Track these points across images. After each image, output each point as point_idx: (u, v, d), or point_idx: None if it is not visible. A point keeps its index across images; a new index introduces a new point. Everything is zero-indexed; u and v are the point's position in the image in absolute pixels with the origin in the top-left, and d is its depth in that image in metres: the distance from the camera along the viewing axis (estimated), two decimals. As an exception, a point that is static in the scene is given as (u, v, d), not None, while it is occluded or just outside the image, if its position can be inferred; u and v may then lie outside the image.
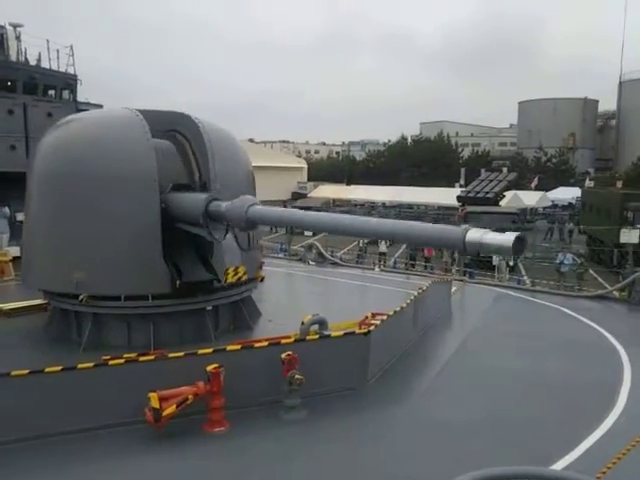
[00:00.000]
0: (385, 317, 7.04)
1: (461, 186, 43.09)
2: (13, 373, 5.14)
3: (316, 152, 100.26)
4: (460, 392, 6.60)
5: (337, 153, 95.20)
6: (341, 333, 6.48)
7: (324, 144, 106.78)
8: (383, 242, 24.96)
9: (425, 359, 7.80)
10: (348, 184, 61.91)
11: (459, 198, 32.53)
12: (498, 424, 5.70)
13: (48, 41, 24.13)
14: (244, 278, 8.04)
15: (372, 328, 6.51)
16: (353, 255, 22.27)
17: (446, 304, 10.50)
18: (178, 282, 7.27)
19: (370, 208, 49.24)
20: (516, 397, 6.40)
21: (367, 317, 7.64)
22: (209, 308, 7.87)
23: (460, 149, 72.89)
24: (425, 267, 21.42)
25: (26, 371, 5.21)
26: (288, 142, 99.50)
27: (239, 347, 5.88)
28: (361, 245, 24.25)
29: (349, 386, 6.26)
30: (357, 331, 6.57)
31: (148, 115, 7.73)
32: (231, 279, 7.83)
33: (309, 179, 64.63)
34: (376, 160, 72.96)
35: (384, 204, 50.75)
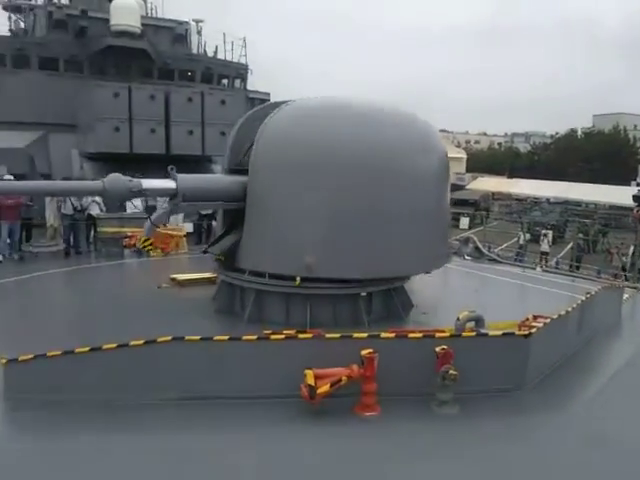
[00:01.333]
0: (548, 320, 6.63)
1: (638, 185, 39.25)
2: (187, 338, 5.62)
3: (476, 142, 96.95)
4: (630, 407, 6.02)
5: (499, 144, 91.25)
6: (499, 333, 6.21)
7: (485, 134, 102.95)
8: (545, 240, 23.57)
9: (590, 368, 7.22)
10: (509, 177, 59.11)
11: (636, 198, 29.90)
12: None
13: (225, 34, 25.96)
14: None
15: (533, 331, 6.16)
16: (512, 252, 21.26)
17: (616, 312, 9.62)
18: None
19: (533, 203, 46.62)
20: None
21: (528, 319, 7.25)
22: (363, 294, 7.97)
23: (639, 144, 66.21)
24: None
25: (197, 337, 5.67)
26: (447, 131, 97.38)
27: (393, 335, 5.88)
28: (521, 242, 23.10)
29: (505, 388, 6.00)
30: (517, 332, 6.26)
31: None
32: None
33: (467, 170, 62.74)
34: (541, 153, 68.87)
35: (548, 200, 47.74)
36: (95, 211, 15.19)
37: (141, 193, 7.42)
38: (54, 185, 10.12)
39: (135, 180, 7.21)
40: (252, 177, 7.81)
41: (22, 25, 27.31)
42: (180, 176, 7.44)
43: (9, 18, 27.55)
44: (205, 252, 9.09)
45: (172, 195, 7.46)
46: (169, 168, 7.42)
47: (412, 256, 8.01)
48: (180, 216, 15.16)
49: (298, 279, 7.56)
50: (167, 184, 7.41)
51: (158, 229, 14.26)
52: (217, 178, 8.91)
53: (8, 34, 24.67)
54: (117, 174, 7.24)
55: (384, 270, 7.94)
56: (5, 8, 27.38)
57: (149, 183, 7.30)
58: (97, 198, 15.34)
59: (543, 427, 5.47)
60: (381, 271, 7.93)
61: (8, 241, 13.85)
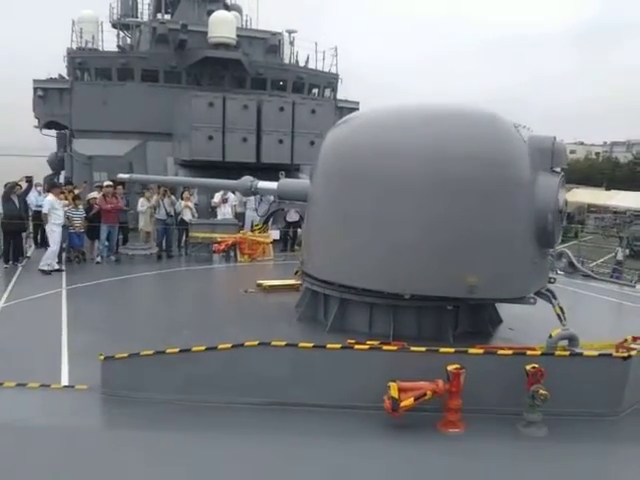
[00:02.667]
0: (649, 343, 6.23)
1: None
2: (273, 343, 5.72)
3: (572, 152, 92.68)
4: None
5: (597, 154, 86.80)
6: (595, 353, 5.88)
7: (582, 143, 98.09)
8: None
9: None
10: (607, 189, 56.00)
11: None
12: None
13: (316, 44, 26.35)
14: None
15: (633, 353, 5.80)
16: (608, 268, 20.11)
17: None
18: None
19: (633, 217, 43.91)
20: None
21: (626, 340, 6.83)
22: (449, 308, 7.79)
23: None
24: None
25: (283, 343, 5.76)
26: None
27: (481, 351, 5.72)
28: (619, 258, 21.77)
29: (598, 412, 5.67)
30: (615, 354, 5.91)
31: None
32: None
33: (562, 182, 60.01)
34: (644, 163, 64.78)
35: (651, 213, 44.75)
36: (187, 216, 15.85)
37: (257, 191, 9.87)
38: (204, 181, 13.93)
39: (255, 181, 9.76)
40: (312, 186, 8.49)
41: (128, 41, 29.06)
42: (281, 180, 9.49)
43: (117, 35, 29.41)
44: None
45: (274, 193, 9.58)
46: (280, 173, 9.83)
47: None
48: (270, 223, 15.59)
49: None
50: (272, 185, 9.49)
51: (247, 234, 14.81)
52: (305, 183, 9.28)
53: (116, 49, 26.29)
54: (247, 176, 9.97)
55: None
56: (114, 26, 29.26)
57: (262, 184, 9.71)
58: (190, 204, 16.04)
59: (638, 457, 5.12)
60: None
61: (107, 244, 14.73)
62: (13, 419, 5.42)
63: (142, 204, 15.60)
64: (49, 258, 13.09)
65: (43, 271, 12.86)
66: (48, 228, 13.46)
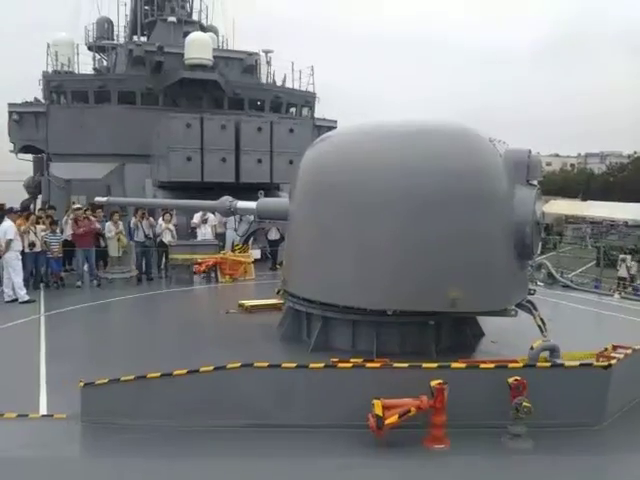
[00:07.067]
0: (629, 351, 6.28)
1: None
2: (256, 364, 5.68)
3: (548, 164, 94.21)
4: None
5: (572, 165, 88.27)
6: (576, 364, 5.93)
7: (557, 155, 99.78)
8: (624, 265, 22.46)
9: None
10: (584, 200, 56.98)
11: None
12: None
13: (293, 63, 26.62)
14: None
15: (613, 362, 5.85)
16: (587, 278, 20.37)
17: None
18: None
19: (609, 227, 44.66)
20: None
21: (607, 349, 6.89)
22: (432, 322, 7.81)
23: None
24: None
25: (266, 364, 5.72)
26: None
27: (464, 366, 5.73)
28: (621, 274, 21.91)
29: (582, 422, 5.69)
30: (595, 363, 5.96)
31: None
32: None
33: (539, 194, 60.92)
34: (618, 174, 66.06)
35: (626, 223, 45.59)
36: (167, 238, 15.72)
37: (236, 211, 10.11)
38: (184, 202, 14.75)
39: (234, 201, 10.10)
40: (292, 205, 8.58)
41: (105, 63, 29.05)
42: (260, 199, 9.69)
43: (93, 58, 29.39)
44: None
45: (253, 213, 9.81)
46: (259, 193, 9.91)
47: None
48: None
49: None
50: (251, 205, 9.75)
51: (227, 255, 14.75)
52: (284, 201, 9.33)
53: (92, 72, 26.24)
54: (227, 196, 10.33)
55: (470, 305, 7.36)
56: (90, 48, 29.24)
57: (241, 204, 10.02)
58: (170, 226, 15.92)
59: (623, 466, 5.15)
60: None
61: (86, 268, 14.52)
62: None
63: (109, 229, 14.84)
64: (20, 289, 12.43)
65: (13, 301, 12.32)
66: (11, 256, 12.56)
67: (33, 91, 26.11)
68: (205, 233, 16.78)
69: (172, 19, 26.53)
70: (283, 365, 5.73)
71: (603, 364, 5.85)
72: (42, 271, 14.00)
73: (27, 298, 12.42)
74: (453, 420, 5.30)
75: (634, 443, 5.56)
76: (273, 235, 16.87)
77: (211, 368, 5.70)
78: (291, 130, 20.14)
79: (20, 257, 12.81)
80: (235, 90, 24.07)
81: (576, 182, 68.06)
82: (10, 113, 24.04)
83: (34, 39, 30.96)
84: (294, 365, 5.73)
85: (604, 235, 43.53)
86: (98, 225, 15.04)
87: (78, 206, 15.40)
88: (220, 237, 17.24)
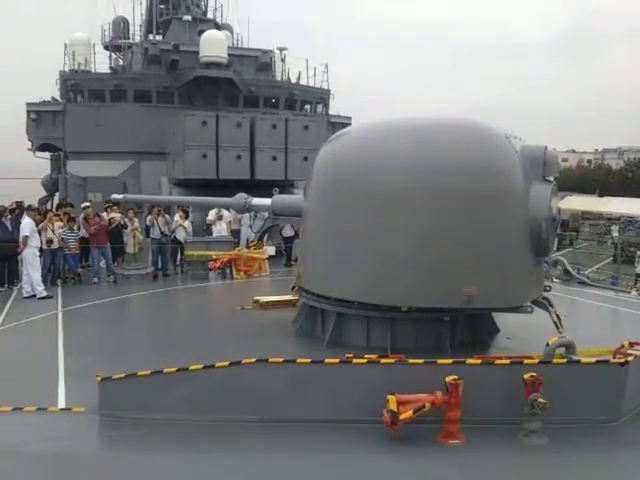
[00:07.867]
0: (647, 348, 6.23)
1: None
2: (271, 360, 5.71)
3: (564, 160, 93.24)
4: None
5: (589, 161, 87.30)
6: (593, 360, 5.89)
7: (574, 151, 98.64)
8: (641, 262, 22.17)
9: None
10: (600, 195, 56.29)
11: None
12: None
13: (307, 60, 26.62)
14: None
15: (630, 359, 5.80)
16: (604, 275, 20.17)
17: None
18: None
19: (627, 222, 44.12)
20: None
21: (623, 346, 6.82)
22: (446, 319, 7.80)
23: None
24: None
25: (281, 359, 5.75)
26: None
27: (479, 362, 5.72)
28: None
29: (598, 419, 5.66)
30: (612, 360, 5.92)
31: None
32: None
33: (555, 190, 60.24)
34: (636, 170, 65.16)
35: (645, 219, 44.98)
36: (182, 235, 15.84)
37: (251, 208, 9.93)
38: (199, 199, 14.89)
39: (249, 198, 9.84)
40: (306, 202, 8.46)
41: (121, 62, 29.28)
42: (275, 196, 9.43)
43: (110, 57, 29.64)
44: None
45: (268, 210, 9.65)
46: (273, 190, 9.65)
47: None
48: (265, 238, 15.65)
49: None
50: (265, 202, 9.51)
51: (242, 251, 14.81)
52: (299, 198, 9.36)
53: (108, 71, 26.44)
54: (241, 193, 10.06)
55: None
56: (106, 47, 29.49)
57: (256, 201, 9.77)
58: (185, 223, 16.04)
59: (639, 463, 5.11)
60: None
61: (103, 264, 14.69)
62: (10, 444, 5.37)
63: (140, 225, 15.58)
64: (38, 285, 12.64)
65: (31, 297, 12.53)
66: (29, 252, 12.81)
67: (51, 90, 26.42)
68: (220, 230, 16.88)
69: (187, 17, 26.69)
70: (298, 360, 5.76)
71: (620, 361, 5.80)
72: (59, 267, 14.18)
73: (45, 294, 12.63)
74: (468, 416, 5.30)
75: None
76: (287, 232, 16.89)
77: (227, 363, 5.74)
78: (306, 127, 20.17)
79: (38, 254, 13.06)
80: (250, 88, 24.14)
81: (593, 178, 67.24)
82: (28, 112, 24.33)
83: (52, 39, 31.17)
84: (309, 361, 5.76)
85: (622, 231, 43.00)
86: (118, 218, 15.29)
87: (87, 204, 15.55)
88: (235, 234, 17.34)
